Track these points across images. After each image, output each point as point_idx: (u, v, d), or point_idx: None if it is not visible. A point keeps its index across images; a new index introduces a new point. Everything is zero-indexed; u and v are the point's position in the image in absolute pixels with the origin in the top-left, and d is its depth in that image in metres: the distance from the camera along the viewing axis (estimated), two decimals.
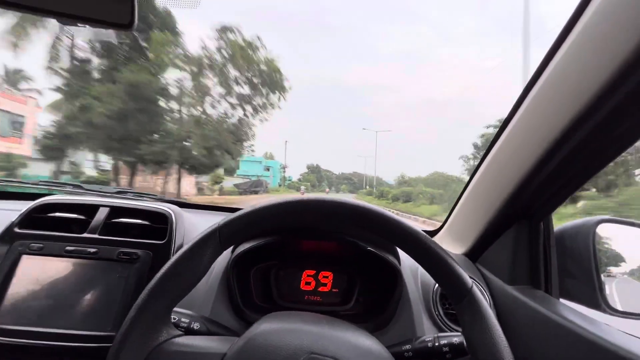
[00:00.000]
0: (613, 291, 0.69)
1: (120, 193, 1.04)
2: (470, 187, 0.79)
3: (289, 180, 52.35)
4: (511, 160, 0.63)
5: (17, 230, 0.69)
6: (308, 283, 0.77)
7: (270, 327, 0.43)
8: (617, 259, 0.75)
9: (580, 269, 0.68)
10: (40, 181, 1.10)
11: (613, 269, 0.73)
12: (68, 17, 0.51)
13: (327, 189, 62.43)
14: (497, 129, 0.68)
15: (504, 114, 0.64)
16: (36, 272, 0.64)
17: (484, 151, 0.73)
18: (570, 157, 0.54)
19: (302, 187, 41.03)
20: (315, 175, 71.93)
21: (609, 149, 0.52)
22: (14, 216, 0.71)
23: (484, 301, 0.42)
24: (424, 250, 0.43)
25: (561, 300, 0.68)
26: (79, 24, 0.54)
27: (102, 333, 0.61)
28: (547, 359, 0.59)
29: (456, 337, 0.55)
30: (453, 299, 0.44)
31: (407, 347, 0.56)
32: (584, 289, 0.68)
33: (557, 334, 0.57)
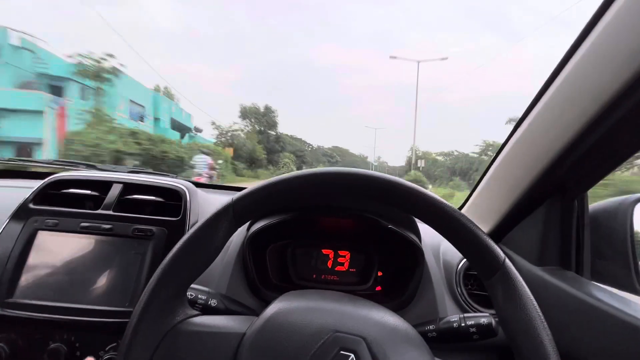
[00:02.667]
0: None
1: (133, 172, 1.03)
2: (498, 162, 0.74)
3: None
4: (547, 131, 0.58)
5: (31, 206, 0.68)
6: (325, 262, 0.75)
7: (290, 306, 0.41)
8: None
9: (615, 250, 0.65)
10: (55, 160, 1.10)
11: None
12: None
13: None
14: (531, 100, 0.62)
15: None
16: (52, 248, 0.65)
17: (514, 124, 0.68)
18: (617, 128, 0.49)
19: (201, 157, 7.42)
20: (264, 138, 33.49)
21: None
22: (28, 193, 0.71)
23: (519, 275, 0.38)
24: (451, 222, 0.39)
25: (592, 282, 0.65)
26: None
27: (120, 308, 0.61)
28: (579, 342, 0.56)
29: (484, 318, 0.53)
30: (484, 275, 0.40)
31: (431, 327, 0.55)
32: (618, 271, 0.64)
33: (590, 316, 0.54)
